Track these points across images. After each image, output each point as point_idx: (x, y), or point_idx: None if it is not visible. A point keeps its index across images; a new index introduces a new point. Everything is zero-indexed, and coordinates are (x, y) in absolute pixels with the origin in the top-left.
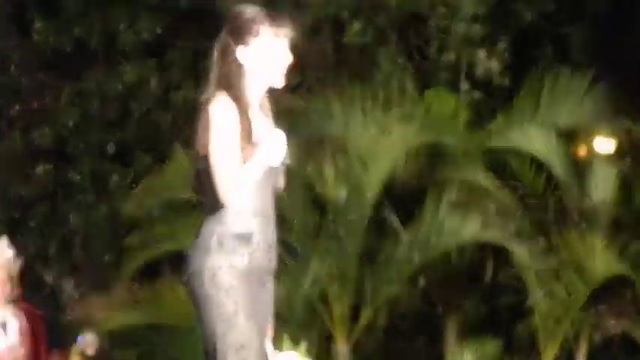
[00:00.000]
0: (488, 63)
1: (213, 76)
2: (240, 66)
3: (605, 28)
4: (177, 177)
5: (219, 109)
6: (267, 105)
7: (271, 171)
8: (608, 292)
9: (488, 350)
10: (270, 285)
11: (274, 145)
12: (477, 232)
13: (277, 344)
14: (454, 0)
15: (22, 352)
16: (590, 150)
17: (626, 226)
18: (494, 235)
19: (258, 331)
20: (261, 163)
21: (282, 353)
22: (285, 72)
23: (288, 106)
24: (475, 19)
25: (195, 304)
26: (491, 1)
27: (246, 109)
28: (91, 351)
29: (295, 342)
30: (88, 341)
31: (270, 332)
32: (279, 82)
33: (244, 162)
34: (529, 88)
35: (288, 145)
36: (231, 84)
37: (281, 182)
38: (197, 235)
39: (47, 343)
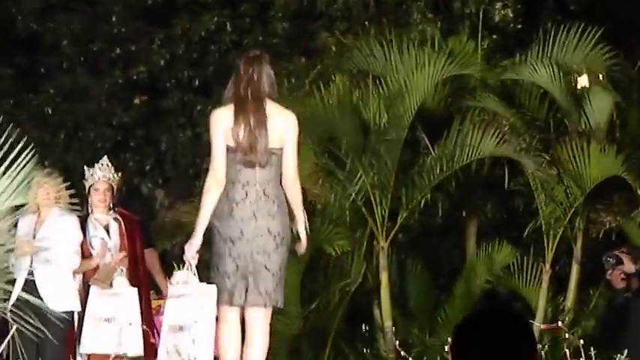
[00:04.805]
0: (502, 12)
1: None
2: None
3: None
4: None
5: None
6: None
7: None
8: (602, 193)
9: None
10: None
11: None
12: (493, 147)
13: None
14: None
15: (122, 250)
16: (587, 82)
17: (616, 140)
18: (507, 149)
19: None
20: None
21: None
22: None
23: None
24: None
25: None
26: None
27: None
28: None
29: (346, 239)
30: None
31: None
32: None
33: None
34: (536, 33)
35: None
36: None
37: None
38: None
39: (142, 243)
